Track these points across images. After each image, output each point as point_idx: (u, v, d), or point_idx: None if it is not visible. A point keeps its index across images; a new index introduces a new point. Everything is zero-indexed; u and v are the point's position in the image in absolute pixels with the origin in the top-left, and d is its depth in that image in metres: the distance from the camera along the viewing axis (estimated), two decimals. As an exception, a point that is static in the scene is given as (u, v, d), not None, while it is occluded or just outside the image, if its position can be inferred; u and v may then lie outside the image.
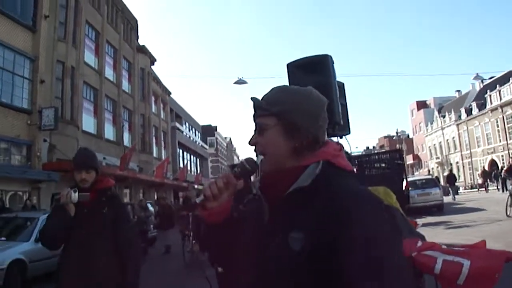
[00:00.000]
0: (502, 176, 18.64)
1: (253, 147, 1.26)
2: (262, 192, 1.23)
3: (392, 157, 6.23)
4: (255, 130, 1.24)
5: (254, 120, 1.24)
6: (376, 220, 1.06)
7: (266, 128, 1.19)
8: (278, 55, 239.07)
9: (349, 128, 5.12)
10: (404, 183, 8.80)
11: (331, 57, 4.43)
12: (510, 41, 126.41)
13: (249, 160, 1.29)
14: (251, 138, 1.25)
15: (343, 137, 5.17)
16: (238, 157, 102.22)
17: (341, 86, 4.95)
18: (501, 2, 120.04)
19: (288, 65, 4.40)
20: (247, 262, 1.20)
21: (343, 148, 1.29)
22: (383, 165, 6.23)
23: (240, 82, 24.77)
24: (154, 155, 32.16)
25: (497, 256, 2.07)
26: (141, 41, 30.90)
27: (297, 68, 4.31)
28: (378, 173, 6.27)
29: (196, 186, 41.01)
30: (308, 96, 1.22)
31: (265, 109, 1.20)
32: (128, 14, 28.98)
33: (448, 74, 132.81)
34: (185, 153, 44.57)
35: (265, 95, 1.24)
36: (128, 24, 28.85)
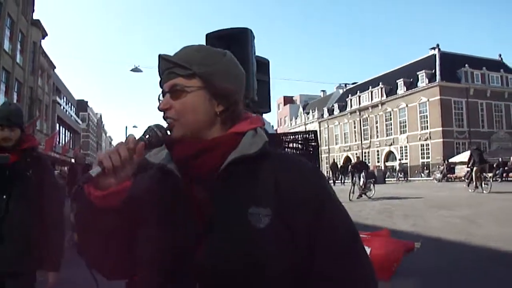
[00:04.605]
0: (349, 170, 21.13)
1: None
2: (181, 165, 0.98)
3: (307, 138, 5.84)
4: (164, 93, 1.00)
5: (165, 82, 1.00)
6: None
7: (185, 91, 0.97)
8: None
9: (270, 106, 5.17)
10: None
11: (251, 31, 4.31)
12: (370, 56, 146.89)
13: (160, 126, 0.99)
14: (161, 102, 0.99)
15: (262, 114, 5.20)
16: (106, 134, 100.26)
17: (266, 63, 4.97)
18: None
19: (207, 36, 4.27)
20: (160, 257, 0.92)
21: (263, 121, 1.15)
22: (298, 145, 5.92)
23: (136, 70, 27.26)
24: (37, 127, 32.53)
25: (397, 245, 2.04)
26: (35, 15, 30.99)
27: (216, 39, 4.14)
28: (293, 152, 5.84)
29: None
30: (232, 59, 1.05)
31: (186, 68, 0.97)
32: (28, -14, 29.03)
33: (314, 81, 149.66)
34: (61, 127, 44.44)
35: (179, 54, 1.01)
36: (27, -3, 28.97)
